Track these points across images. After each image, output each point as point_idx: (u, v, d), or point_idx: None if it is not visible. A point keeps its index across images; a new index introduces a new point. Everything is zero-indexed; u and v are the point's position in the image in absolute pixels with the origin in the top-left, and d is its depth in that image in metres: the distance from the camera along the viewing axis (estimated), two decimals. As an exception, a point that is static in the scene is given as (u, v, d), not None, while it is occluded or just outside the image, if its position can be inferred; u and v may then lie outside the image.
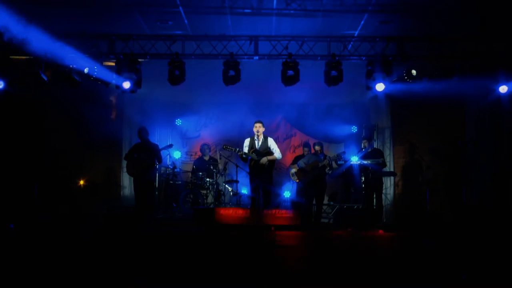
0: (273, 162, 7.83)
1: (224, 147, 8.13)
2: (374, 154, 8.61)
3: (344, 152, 8.64)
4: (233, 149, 7.93)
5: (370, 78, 7.55)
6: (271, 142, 7.83)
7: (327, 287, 3.84)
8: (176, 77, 7.41)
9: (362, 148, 8.78)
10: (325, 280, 4.00)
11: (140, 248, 5.63)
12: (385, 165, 8.69)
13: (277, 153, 7.78)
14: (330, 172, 8.49)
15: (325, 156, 8.30)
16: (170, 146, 9.21)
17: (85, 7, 6.51)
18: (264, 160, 7.63)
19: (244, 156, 7.67)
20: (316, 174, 8.17)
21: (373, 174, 8.47)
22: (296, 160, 8.82)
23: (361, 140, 9.26)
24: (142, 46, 7.40)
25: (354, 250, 5.81)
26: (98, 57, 7.45)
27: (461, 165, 8.38)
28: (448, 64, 7.45)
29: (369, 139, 8.89)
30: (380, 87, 7.48)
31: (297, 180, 8.52)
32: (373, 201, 8.57)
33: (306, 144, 9.21)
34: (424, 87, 7.84)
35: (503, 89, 7.64)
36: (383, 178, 8.92)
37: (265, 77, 8.40)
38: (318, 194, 8.27)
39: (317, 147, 8.47)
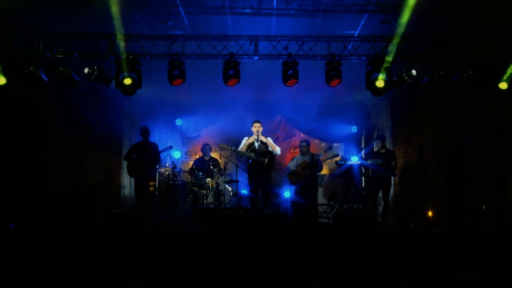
0: (273, 161, 7.83)
1: (220, 146, 8.18)
2: (389, 156, 8.67)
3: (330, 147, 8.59)
4: (229, 147, 7.99)
5: (370, 78, 7.54)
6: (268, 140, 7.87)
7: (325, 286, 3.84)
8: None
9: (380, 150, 8.79)
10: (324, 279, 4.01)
11: (140, 248, 5.63)
12: (395, 168, 8.75)
13: (276, 149, 7.85)
14: (316, 170, 8.47)
15: (312, 155, 8.30)
16: (170, 148, 9.20)
17: (84, 6, 6.48)
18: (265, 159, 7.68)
19: (240, 154, 7.73)
20: (308, 173, 8.17)
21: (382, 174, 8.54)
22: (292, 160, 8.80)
23: (373, 141, 9.54)
24: (142, 46, 7.39)
25: (353, 250, 5.81)
26: (98, 57, 7.44)
27: (461, 164, 8.37)
28: (448, 64, 7.44)
29: (383, 142, 8.90)
30: (379, 83, 7.39)
31: (293, 183, 8.49)
32: (376, 201, 8.60)
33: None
34: (424, 87, 7.84)
35: (502, 85, 7.53)
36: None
37: (265, 77, 8.40)
38: (312, 193, 8.28)
39: (303, 144, 8.48)
